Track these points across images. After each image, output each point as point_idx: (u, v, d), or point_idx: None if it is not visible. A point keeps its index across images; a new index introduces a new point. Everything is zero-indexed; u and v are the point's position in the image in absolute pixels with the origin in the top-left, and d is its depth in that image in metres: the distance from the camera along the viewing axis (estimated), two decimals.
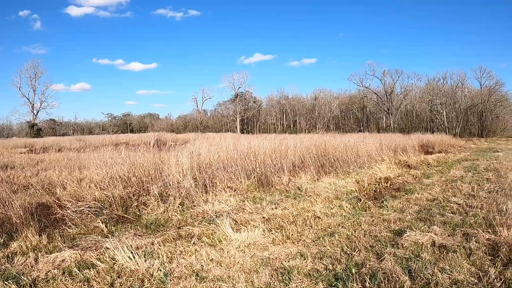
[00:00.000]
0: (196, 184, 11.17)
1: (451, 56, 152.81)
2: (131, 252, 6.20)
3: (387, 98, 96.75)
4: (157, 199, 10.00)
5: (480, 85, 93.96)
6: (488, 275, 5.47)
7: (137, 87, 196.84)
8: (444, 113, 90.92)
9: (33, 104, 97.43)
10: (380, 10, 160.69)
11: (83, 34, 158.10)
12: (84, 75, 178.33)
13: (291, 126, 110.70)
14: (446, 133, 66.69)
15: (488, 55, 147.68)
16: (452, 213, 9.26)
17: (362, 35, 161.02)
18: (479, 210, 9.44)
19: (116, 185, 10.24)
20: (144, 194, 10.32)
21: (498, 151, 32.13)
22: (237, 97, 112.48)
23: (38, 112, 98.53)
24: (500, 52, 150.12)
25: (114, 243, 6.67)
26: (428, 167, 19.95)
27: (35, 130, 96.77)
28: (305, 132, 77.96)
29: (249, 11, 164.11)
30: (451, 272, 5.59)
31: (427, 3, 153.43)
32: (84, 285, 5.48)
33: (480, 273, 5.60)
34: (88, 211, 9.23)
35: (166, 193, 10.48)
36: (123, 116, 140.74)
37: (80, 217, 9.01)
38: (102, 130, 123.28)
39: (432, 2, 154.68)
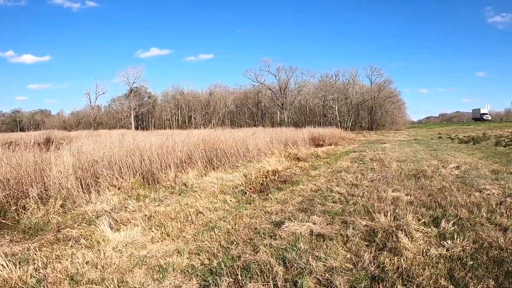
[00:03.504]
0: (79, 184, 10.79)
1: (344, 55, 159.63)
2: (5, 260, 5.87)
3: (281, 93, 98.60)
4: (37, 201, 9.53)
5: (371, 82, 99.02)
6: (362, 261, 5.67)
7: (28, 81, 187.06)
8: (336, 108, 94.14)
9: None
10: (276, 8, 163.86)
11: None
12: None
13: (186, 121, 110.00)
14: (338, 127, 68.96)
15: (380, 55, 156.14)
16: (333, 202, 9.54)
17: (259, 32, 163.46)
18: (360, 198, 9.82)
19: None
20: (24, 197, 9.81)
21: (385, 143, 33.68)
22: (131, 92, 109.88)
23: None
24: (390, 53, 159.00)
25: None
26: (317, 159, 20.48)
27: None
28: (200, 127, 77.73)
29: (148, 5, 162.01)
30: (326, 259, 5.73)
31: (322, 4, 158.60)
32: None
33: (355, 258, 5.79)
34: None
35: (47, 195, 10.04)
36: (12, 113, 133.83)
37: None
38: None
39: (326, 3, 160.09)
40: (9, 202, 9.60)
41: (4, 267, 5.72)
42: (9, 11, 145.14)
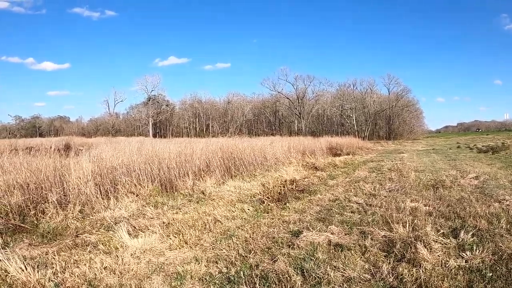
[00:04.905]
0: (98, 190, 10.86)
1: (361, 63, 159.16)
2: (23, 263, 5.92)
3: (299, 102, 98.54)
4: (56, 206, 9.60)
5: (388, 91, 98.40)
6: (381, 271, 5.63)
7: (48, 88, 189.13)
8: (354, 117, 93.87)
9: None
10: (291, 17, 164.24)
11: None
12: None
13: (204, 129, 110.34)
14: (356, 136, 68.74)
15: (395, 63, 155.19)
16: (351, 212, 9.48)
17: (276, 41, 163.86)
18: (378, 208, 9.73)
19: (13, 193, 9.77)
20: (43, 202, 9.88)
21: (403, 153, 33.51)
22: (149, 100, 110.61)
23: None
24: (406, 61, 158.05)
25: (7, 254, 6.33)
26: (335, 168, 20.39)
27: None
28: (217, 135, 77.93)
29: (166, 13, 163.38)
30: (344, 270, 5.70)
31: (337, 12, 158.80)
32: None
33: (373, 269, 5.76)
34: None
35: (66, 200, 10.11)
36: (32, 119, 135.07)
37: None
38: (9, 134, 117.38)
39: (340, 11, 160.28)
40: (29, 206, 9.66)
41: (23, 270, 5.76)
42: (30, 19, 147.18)
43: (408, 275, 5.42)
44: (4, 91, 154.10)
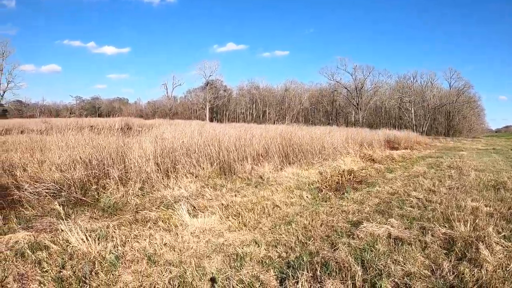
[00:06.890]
0: (158, 169, 11.03)
1: (421, 56, 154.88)
2: (85, 235, 6.06)
3: (357, 93, 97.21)
4: (117, 182, 9.82)
5: (449, 86, 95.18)
6: (441, 268, 5.49)
7: (108, 71, 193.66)
8: (413, 111, 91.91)
9: None
10: (352, 7, 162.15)
11: (57, 16, 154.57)
12: (55, 57, 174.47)
13: (261, 116, 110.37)
14: (414, 131, 67.31)
15: (457, 57, 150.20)
16: (411, 207, 9.28)
17: (334, 30, 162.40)
18: (438, 205, 9.46)
19: (76, 168, 10.03)
20: (104, 178, 10.12)
21: (463, 151, 32.59)
22: (207, 85, 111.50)
23: (4, 93, 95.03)
24: (468, 55, 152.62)
25: (69, 225, 6.49)
26: (392, 162, 20.03)
27: (0, 111, 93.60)
28: (274, 123, 77.88)
29: (225, 1, 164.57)
30: (404, 264, 5.60)
31: (400, 4, 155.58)
32: (35, 266, 5.35)
33: (433, 266, 5.62)
34: (46, 193, 9.04)
35: (127, 177, 10.32)
36: (91, 100, 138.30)
37: (38, 199, 8.82)
38: (70, 113, 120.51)
39: (405, 4, 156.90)
40: (90, 181, 9.93)
41: (84, 241, 5.92)
42: (92, 5, 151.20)
43: (469, 275, 5.26)
44: (66, 74, 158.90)
